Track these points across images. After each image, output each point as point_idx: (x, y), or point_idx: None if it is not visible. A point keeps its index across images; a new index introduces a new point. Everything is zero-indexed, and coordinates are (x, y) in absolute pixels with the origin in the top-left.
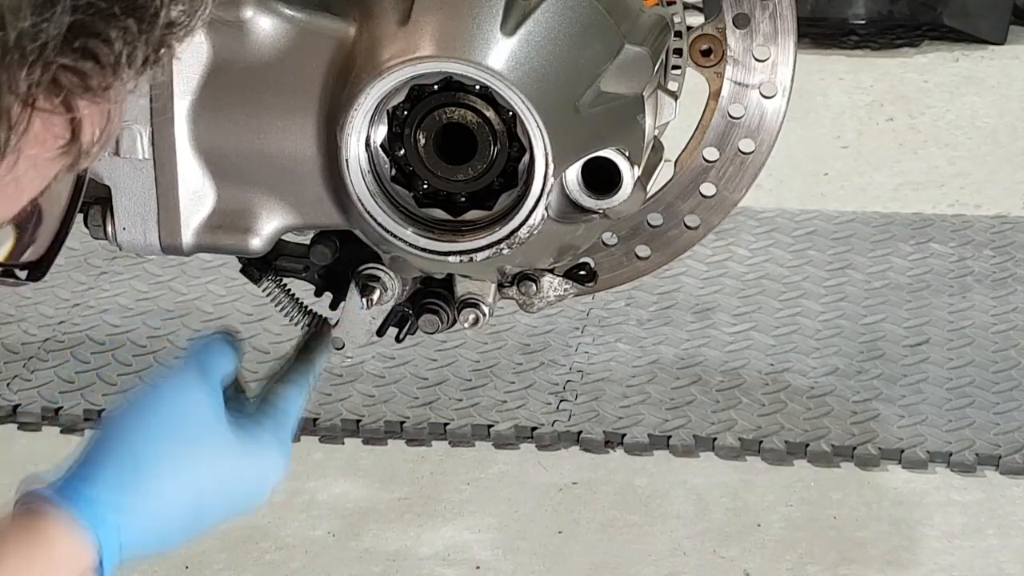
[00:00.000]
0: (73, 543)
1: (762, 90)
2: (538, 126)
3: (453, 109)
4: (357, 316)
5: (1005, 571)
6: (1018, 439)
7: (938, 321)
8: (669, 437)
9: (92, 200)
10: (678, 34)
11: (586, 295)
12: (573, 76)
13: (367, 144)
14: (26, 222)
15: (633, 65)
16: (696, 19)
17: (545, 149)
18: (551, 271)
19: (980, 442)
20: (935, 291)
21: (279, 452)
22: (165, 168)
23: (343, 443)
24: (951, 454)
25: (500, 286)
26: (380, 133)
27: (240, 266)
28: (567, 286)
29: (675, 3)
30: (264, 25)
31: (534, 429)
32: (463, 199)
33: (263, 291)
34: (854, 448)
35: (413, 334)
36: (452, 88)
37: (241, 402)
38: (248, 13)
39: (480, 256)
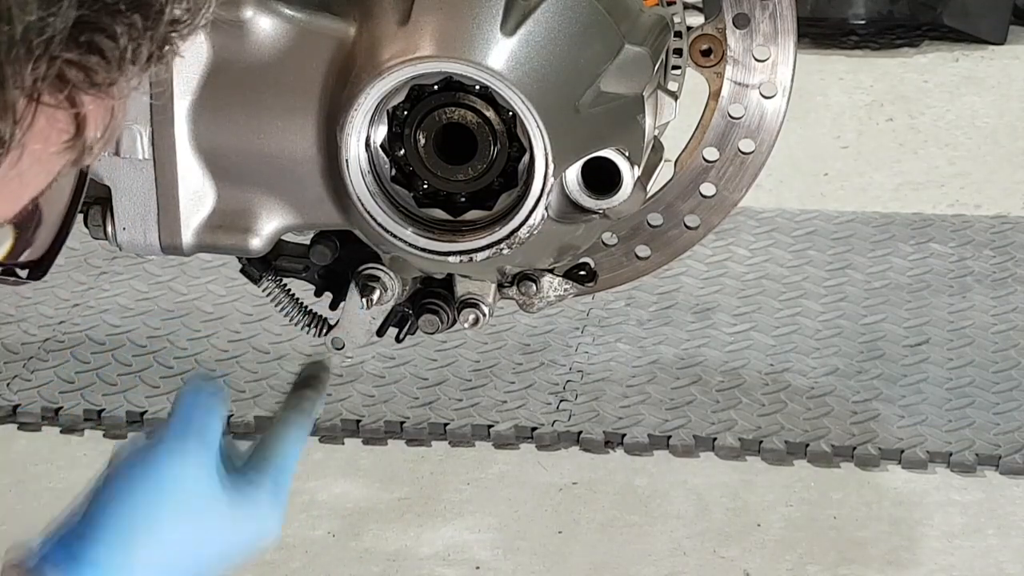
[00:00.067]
0: None
1: (762, 90)
2: (538, 126)
3: (453, 109)
4: (357, 316)
5: (1005, 571)
6: (1018, 439)
7: (938, 321)
8: (669, 437)
9: (92, 200)
10: (678, 34)
11: (586, 295)
12: (573, 76)
13: (367, 144)
14: (26, 221)
15: (633, 65)
16: (696, 19)
17: (545, 149)
18: (551, 271)
19: (980, 442)
20: (935, 291)
21: (275, 512)
22: (165, 168)
23: (343, 443)
24: (951, 454)
25: (500, 286)
26: (380, 133)
27: (240, 266)
28: (567, 286)
29: (675, 3)
30: (264, 25)
31: (534, 429)
32: (463, 199)
33: (263, 291)
34: (854, 448)
35: (413, 334)
36: (452, 88)
37: (235, 457)
38: (248, 13)
39: (480, 256)
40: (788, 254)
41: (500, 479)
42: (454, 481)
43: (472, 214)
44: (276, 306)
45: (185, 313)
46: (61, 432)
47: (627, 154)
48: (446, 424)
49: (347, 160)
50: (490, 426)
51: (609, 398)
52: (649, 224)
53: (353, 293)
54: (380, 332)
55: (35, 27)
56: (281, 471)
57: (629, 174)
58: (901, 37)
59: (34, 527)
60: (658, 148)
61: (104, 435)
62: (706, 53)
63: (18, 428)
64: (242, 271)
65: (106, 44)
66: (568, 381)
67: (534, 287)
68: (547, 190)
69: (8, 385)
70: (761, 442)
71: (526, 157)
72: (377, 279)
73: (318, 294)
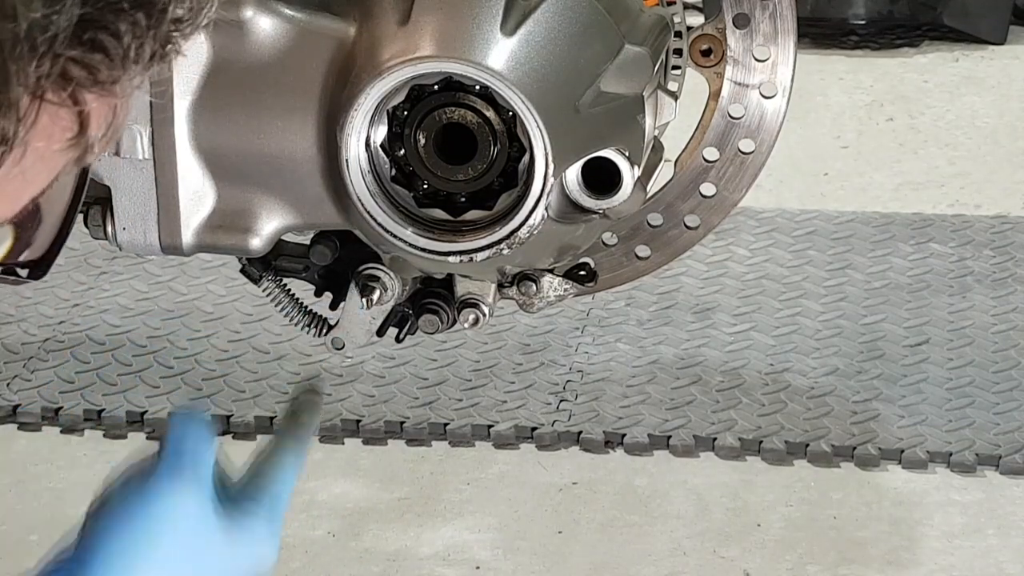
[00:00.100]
0: None
1: (762, 90)
2: (538, 126)
3: (453, 109)
4: (357, 316)
5: (1005, 571)
6: (1018, 439)
7: (938, 321)
8: (669, 437)
9: (92, 200)
10: (678, 34)
11: (586, 295)
12: (573, 76)
13: (367, 144)
14: (26, 221)
15: (633, 65)
16: (696, 19)
17: (545, 149)
18: (551, 271)
19: (980, 442)
20: (935, 291)
21: (271, 541)
22: (165, 168)
23: (343, 443)
24: (951, 454)
25: (500, 286)
26: (380, 133)
27: (240, 266)
28: (567, 286)
29: (675, 3)
30: (264, 25)
31: (534, 429)
32: (463, 199)
33: (263, 291)
34: (854, 448)
35: (413, 334)
36: (452, 88)
37: (228, 487)
38: (248, 13)
39: (480, 256)
40: (788, 254)
41: (500, 479)
42: (454, 481)
43: (472, 214)
44: (276, 306)
45: (185, 313)
46: (61, 432)
47: (627, 154)
48: (446, 424)
49: (347, 160)
50: (490, 426)
51: (609, 398)
52: (649, 224)
53: (353, 293)
54: (380, 332)
55: (39, 24)
56: (277, 499)
57: (629, 174)
58: (901, 37)
59: (34, 527)
60: (658, 148)
61: (104, 435)
62: (706, 53)
63: (18, 428)
64: (242, 271)
65: (110, 42)
66: (568, 381)
67: (534, 287)
68: (547, 190)
69: (8, 385)
70: (761, 442)
71: (526, 157)
72: (377, 279)
73: (318, 294)
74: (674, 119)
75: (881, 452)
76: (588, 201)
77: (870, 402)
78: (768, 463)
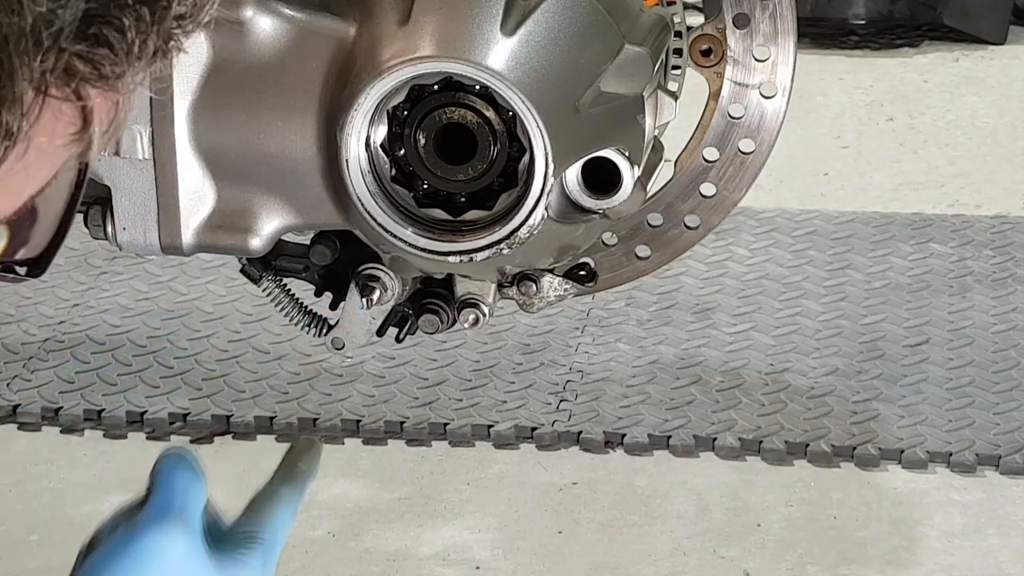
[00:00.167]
0: None
1: (762, 90)
2: (538, 126)
3: (453, 109)
4: (357, 316)
5: (1005, 571)
6: (1018, 439)
7: (938, 321)
8: (669, 437)
9: (92, 200)
10: (678, 34)
11: (586, 295)
12: (573, 76)
13: (367, 144)
14: (22, 219)
15: (633, 65)
16: (696, 19)
17: (545, 149)
18: (551, 271)
19: (980, 442)
20: (935, 291)
21: None
22: (165, 168)
23: (343, 443)
24: (951, 454)
25: (500, 286)
26: (380, 133)
27: (240, 266)
28: (567, 286)
29: (675, 3)
30: (264, 25)
31: (534, 429)
32: (463, 199)
33: (263, 291)
34: (854, 448)
35: (413, 334)
36: (452, 88)
37: (221, 531)
38: (248, 13)
39: (480, 256)
40: (788, 254)
41: (500, 479)
42: (454, 481)
43: (472, 214)
44: (276, 306)
45: (185, 313)
46: (61, 432)
47: (627, 154)
48: (446, 424)
49: (347, 160)
50: (490, 426)
51: (609, 398)
52: (649, 224)
53: (353, 293)
54: (380, 332)
55: (44, 19)
56: (270, 547)
57: (629, 174)
58: (901, 37)
59: (34, 527)
60: (658, 148)
61: (104, 435)
62: (706, 53)
63: (18, 428)
64: (242, 271)
65: (114, 37)
66: (568, 381)
67: (534, 287)
68: (547, 190)
69: (8, 385)
70: (761, 442)
71: (526, 157)
72: (377, 279)
73: (318, 294)
74: (674, 119)
75: (881, 452)
76: (588, 201)
77: (870, 402)
78: (768, 463)
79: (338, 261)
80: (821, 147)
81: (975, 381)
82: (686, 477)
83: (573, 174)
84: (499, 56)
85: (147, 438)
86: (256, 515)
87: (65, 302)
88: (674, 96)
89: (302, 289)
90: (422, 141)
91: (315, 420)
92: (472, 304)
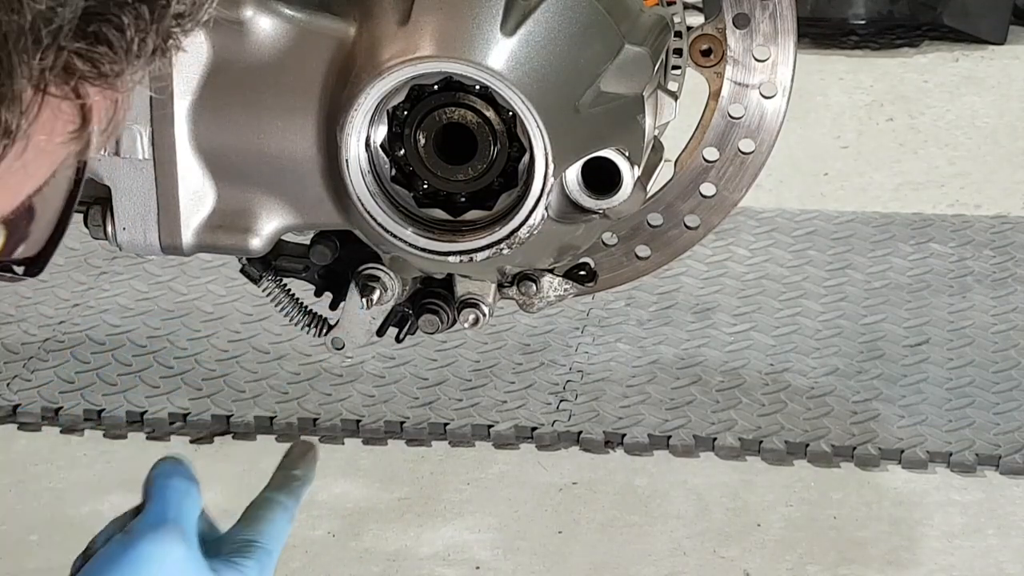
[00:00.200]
0: None
1: (762, 90)
2: (538, 126)
3: (453, 109)
4: (357, 316)
5: (1005, 571)
6: (1018, 439)
7: (938, 321)
8: (669, 437)
9: (92, 200)
10: (678, 34)
11: (586, 295)
12: (573, 76)
13: (367, 144)
14: (19, 218)
15: (633, 65)
16: (696, 19)
17: (545, 149)
18: (551, 271)
19: (980, 442)
20: (935, 291)
21: None
22: (165, 168)
23: (343, 443)
24: (951, 454)
25: (500, 286)
26: (380, 133)
27: (240, 266)
28: (567, 286)
29: (675, 3)
30: (264, 25)
31: (534, 429)
32: (463, 199)
33: (263, 291)
34: (854, 448)
35: (413, 334)
36: (452, 88)
37: (217, 539)
38: (248, 13)
39: (480, 256)
40: (788, 254)
41: (500, 479)
42: (454, 481)
43: (472, 214)
44: (276, 306)
45: (185, 313)
46: (61, 432)
47: (627, 154)
48: (446, 424)
49: (347, 160)
50: (490, 426)
51: (609, 398)
52: (649, 224)
53: (353, 293)
54: (380, 332)
55: (44, 16)
56: (267, 554)
57: (629, 174)
58: (901, 37)
59: (34, 527)
60: (658, 148)
61: (104, 435)
62: (706, 53)
63: (18, 428)
64: (242, 271)
65: (113, 35)
66: (568, 381)
67: (534, 287)
68: (547, 190)
69: (8, 385)
70: (761, 442)
71: (526, 157)
72: (377, 279)
73: (318, 294)
74: (674, 119)
75: (881, 452)
76: (588, 201)
77: (870, 402)
78: (768, 463)
79: (338, 261)
80: (821, 147)
81: (975, 381)
82: (686, 477)
83: (573, 174)
84: (499, 56)
85: (147, 438)
86: (253, 522)
87: (65, 302)
88: (674, 96)
89: (302, 289)
90: (422, 141)
91: (315, 420)
92: (472, 304)
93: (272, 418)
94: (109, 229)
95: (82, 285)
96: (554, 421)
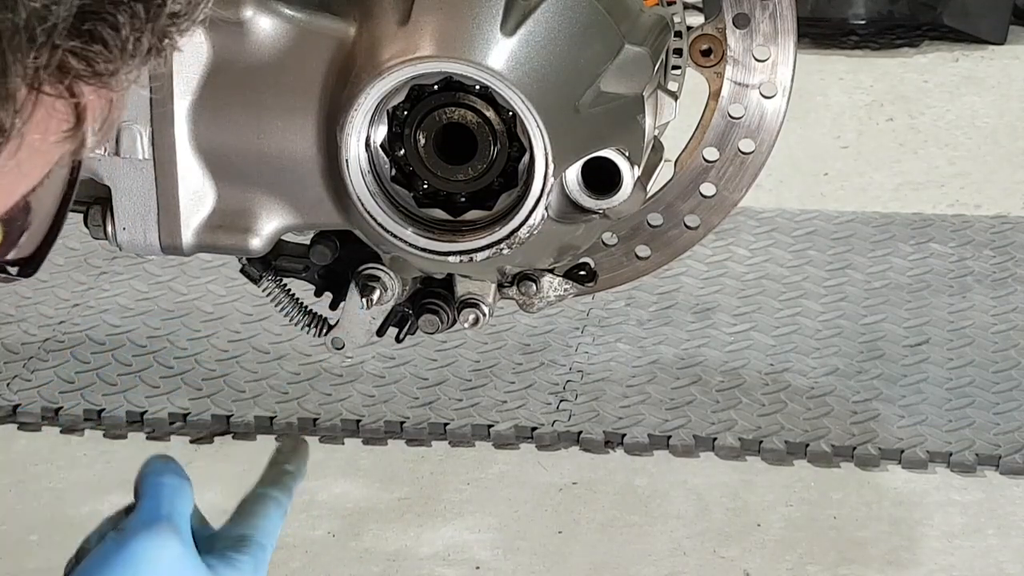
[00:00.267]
0: None
1: (762, 90)
2: (538, 126)
3: (453, 109)
4: (357, 316)
5: (1005, 571)
6: (1018, 439)
7: (938, 321)
8: (669, 437)
9: (92, 200)
10: (678, 34)
11: (586, 295)
12: (573, 76)
13: (367, 144)
14: (14, 218)
15: (633, 65)
16: (696, 19)
17: (545, 149)
18: (551, 271)
19: (980, 442)
20: (935, 291)
21: None
22: (165, 168)
23: (343, 443)
24: (951, 454)
25: (500, 286)
26: (380, 133)
27: (240, 266)
28: (567, 286)
29: (675, 3)
30: (264, 25)
31: (534, 429)
32: (463, 199)
33: (263, 291)
34: (854, 448)
35: (413, 334)
36: (452, 88)
37: (210, 535)
38: (248, 13)
39: (480, 256)
40: (788, 254)
41: (500, 479)
42: (454, 481)
43: (472, 214)
44: (276, 306)
45: (185, 313)
46: (61, 432)
47: (627, 154)
48: (446, 424)
49: (347, 160)
50: (490, 426)
51: (609, 398)
52: (649, 224)
53: (353, 293)
54: (380, 332)
55: (39, 14)
56: (261, 549)
57: (629, 174)
58: (901, 37)
59: (34, 527)
60: (658, 148)
61: (104, 435)
62: (706, 53)
63: (18, 428)
64: (242, 271)
65: (108, 34)
66: (568, 381)
67: (534, 287)
68: (547, 190)
69: (8, 385)
70: (761, 442)
71: (526, 157)
72: (377, 279)
73: (318, 294)
74: (674, 119)
75: (881, 452)
76: (588, 201)
77: (870, 402)
78: (768, 463)
79: (338, 261)
80: (821, 147)
81: (975, 381)
82: (686, 477)
83: (573, 174)
84: (499, 56)
85: (147, 438)
86: (246, 517)
87: (65, 302)
88: (674, 96)
89: (302, 289)
90: (422, 141)
91: (315, 420)
92: (472, 304)
93: (272, 418)
94: (109, 229)
95: (82, 285)
96: (554, 421)
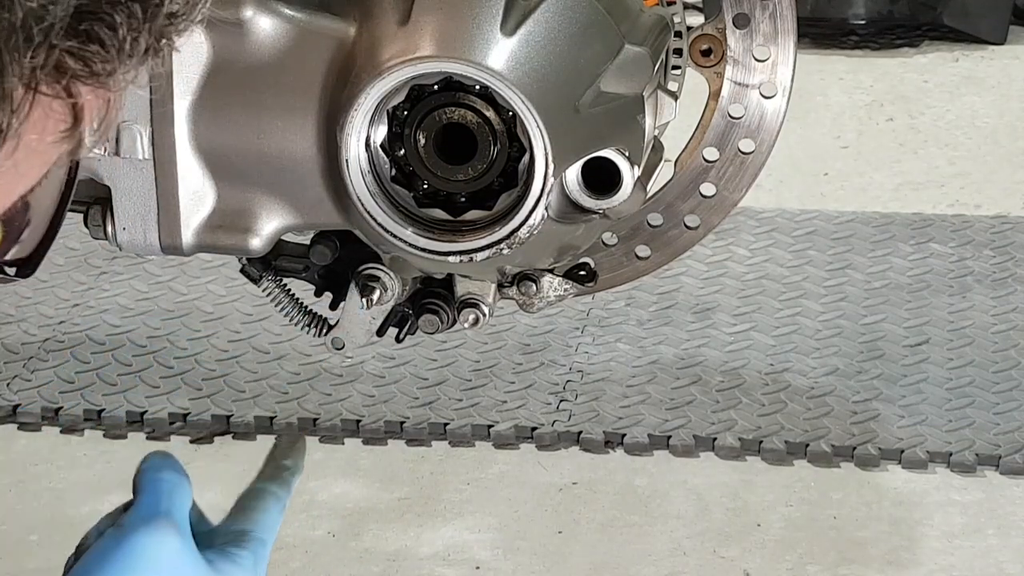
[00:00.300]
0: None
1: (762, 90)
2: (538, 126)
3: (453, 109)
4: (357, 316)
5: (1005, 571)
6: (1018, 439)
7: (938, 321)
8: (669, 437)
9: (92, 200)
10: (678, 34)
11: (586, 295)
12: (573, 76)
13: (367, 144)
14: (14, 218)
15: (633, 65)
16: (696, 19)
17: (545, 149)
18: (551, 271)
19: (980, 442)
20: (935, 291)
21: None
22: (165, 168)
23: (343, 443)
24: (951, 454)
25: (500, 286)
26: (380, 133)
27: (240, 266)
28: (567, 286)
29: (675, 3)
30: (264, 25)
31: (534, 429)
32: (463, 199)
33: (263, 291)
34: (854, 448)
35: (413, 334)
36: (452, 88)
37: (209, 531)
38: (248, 13)
39: (480, 256)
40: (788, 254)
41: (500, 479)
42: (454, 481)
43: (472, 214)
44: (276, 306)
45: (185, 313)
46: (61, 432)
47: (627, 154)
48: (446, 424)
49: (347, 160)
50: (490, 426)
51: (609, 398)
52: (649, 224)
53: (353, 293)
54: (380, 332)
55: (35, 14)
56: (261, 544)
57: (629, 174)
58: (901, 37)
59: (34, 527)
60: (658, 148)
61: (104, 435)
62: (706, 53)
63: (18, 428)
64: (242, 271)
65: (106, 34)
66: (568, 381)
67: (534, 287)
68: (547, 190)
69: (8, 385)
70: (761, 442)
71: (526, 157)
72: (377, 279)
73: (318, 294)
74: (674, 119)
75: (881, 452)
76: (588, 201)
77: (870, 402)
78: (768, 463)
79: (338, 261)
80: (821, 147)
81: (975, 381)
82: (686, 477)
83: (573, 174)
84: (499, 56)
85: (147, 438)
86: (245, 513)
87: (65, 302)
88: (674, 96)
89: (302, 289)
90: (422, 141)
91: (315, 420)
92: (472, 304)
93: (272, 418)
94: (109, 229)
95: (82, 285)
96: (554, 421)
